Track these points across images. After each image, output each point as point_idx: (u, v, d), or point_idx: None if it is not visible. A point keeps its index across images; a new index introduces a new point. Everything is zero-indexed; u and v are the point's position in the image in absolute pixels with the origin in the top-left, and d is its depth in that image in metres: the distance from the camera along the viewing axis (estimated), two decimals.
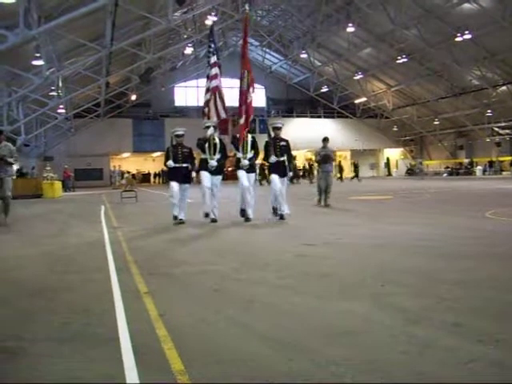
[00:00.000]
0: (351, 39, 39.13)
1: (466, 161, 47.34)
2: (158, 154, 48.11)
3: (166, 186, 39.80)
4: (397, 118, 50.85)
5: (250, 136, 10.61)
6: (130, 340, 3.27)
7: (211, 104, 11.17)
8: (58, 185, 27.04)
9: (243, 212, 10.43)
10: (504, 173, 42.48)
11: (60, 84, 27.24)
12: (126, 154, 48.46)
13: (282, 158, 10.55)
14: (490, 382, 2.55)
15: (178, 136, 10.53)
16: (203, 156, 10.48)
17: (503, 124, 41.91)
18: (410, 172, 49.81)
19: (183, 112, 48.54)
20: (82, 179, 41.50)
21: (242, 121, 10.61)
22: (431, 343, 3.06)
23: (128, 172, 40.61)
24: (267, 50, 48.35)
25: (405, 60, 37.86)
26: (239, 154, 10.48)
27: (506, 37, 30.77)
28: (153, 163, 51.04)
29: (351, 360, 2.85)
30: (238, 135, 10.60)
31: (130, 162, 48.67)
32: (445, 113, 45.19)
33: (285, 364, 2.82)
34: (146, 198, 21.98)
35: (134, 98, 43.08)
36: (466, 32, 30.98)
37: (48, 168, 27.50)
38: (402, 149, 55.15)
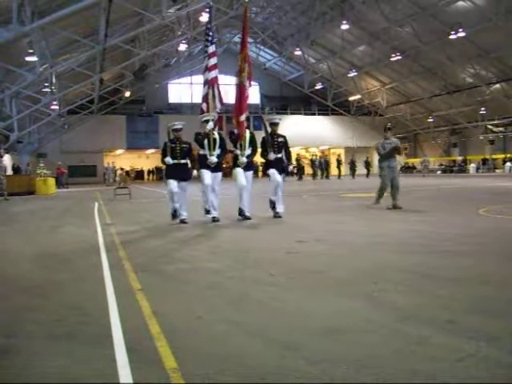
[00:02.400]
0: (345, 36, 39.14)
1: (460, 158, 47.45)
2: (152, 150, 48.03)
3: (160, 183, 39.78)
4: (391, 116, 50.89)
5: (247, 132, 10.29)
6: (123, 337, 3.26)
7: (210, 97, 10.59)
8: (52, 181, 26.92)
9: (242, 211, 10.15)
10: (497, 170, 42.62)
11: (53, 80, 27.13)
12: (119, 151, 48.34)
13: (279, 155, 10.32)
14: (483, 380, 2.56)
15: (175, 130, 9.92)
16: (202, 152, 9.92)
17: (497, 122, 42.04)
18: (405, 170, 49.96)
19: (177, 109, 48.47)
20: (76, 176, 41.37)
21: (242, 118, 10.16)
22: (424, 340, 3.07)
23: (122, 169, 40.50)
24: (261, 47, 48.30)
25: (399, 57, 37.90)
26: (237, 151, 10.13)
27: (500, 35, 30.83)
28: (147, 160, 50.93)
29: (343, 357, 2.86)
30: (235, 131, 10.14)
31: (123, 159, 48.51)
32: (438, 110, 45.31)
33: (277, 361, 2.82)
34: (140, 195, 21.92)
35: (127, 94, 42.98)
36: (460, 30, 31.02)
37: (41, 165, 27.37)
38: None
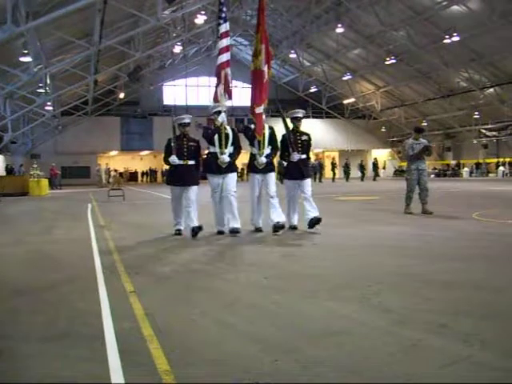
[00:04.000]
0: (340, 40, 39.18)
1: (454, 162, 47.60)
2: (146, 152, 48.01)
3: (153, 185, 39.63)
4: (385, 119, 51.02)
5: (266, 127, 8.59)
6: (116, 339, 3.25)
7: (221, 83, 8.71)
8: (45, 182, 26.86)
9: (259, 230, 8.45)
10: (490, 175, 42.81)
11: (48, 81, 27.03)
12: (113, 153, 48.23)
13: (303, 156, 8.63)
14: (475, 383, 2.57)
15: (183, 125, 8.35)
16: (212, 150, 8.32)
17: (490, 126, 42.16)
18: (397, 173, 50.19)
19: (172, 111, 48.41)
20: (69, 177, 41.27)
21: (260, 109, 8.38)
22: (418, 344, 3.08)
23: (115, 170, 40.42)
24: None
25: (393, 61, 37.96)
26: (254, 150, 8.43)
27: (494, 39, 30.95)
28: (140, 162, 50.89)
29: (337, 361, 2.86)
30: (252, 126, 8.53)
31: (117, 161, 48.44)
32: (433, 114, 45.42)
33: (270, 365, 2.82)
34: (134, 196, 21.87)
35: (122, 96, 42.86)
36: (455, 34, 31.11)
37: (35, 165, 27.29)
38: (389, 150, 55.37)
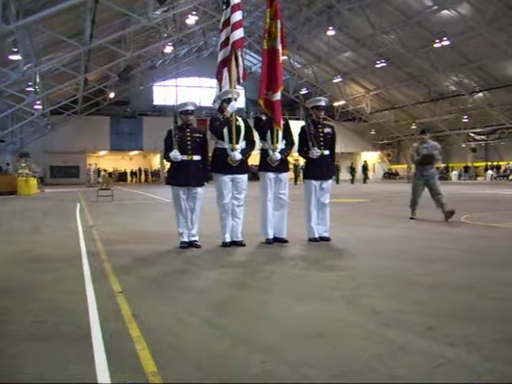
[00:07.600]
0: (331, 42, 39.28)
1: (442, 166, 47.84)
2: (136, 152, 47.81)
3: (141, 186, 39.47)
4: (375, 122, 51.21)
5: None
6: (103, 340, 3.24)
7: (233, 65, 7.20)
8: (33, 181, 26.68)
9: (270, 241, 7.27)
10: (479, 178, 43.09)
11: (37, 80, 26.88)
12: (103, 152, 48.04)
13: (326, 152, 7.53)
14: None
15: (185, 113, 7.00)
16: (220, 145, 7.03)
17: (479, 130, 42.46)
18: (387, 176, 50.46)
19: (162, 111, 48.31)
20: (59, 177, 41.05)
21: (277, 96, 7.25)
22: (404, 346, 3.09)
23: (104, 170, 40.27)
24: (247, 51, 48.27)
25: (384, 64, 38.13)
26: (266, 145, 7.26)
27: (484, 44, 31.19)
28: (130, 162, 50.74)
29: (324, 362, 2.86)
30: (263, 117, 7.41)
31: (107, 160, 48.27)
32: (422, 118, 45.61)
33: (259, 366, 2.82)
34: (123, 196, 21.78)
35: (112, 95, 42.64)
36: (445, 38, 31.29)
37: (23, 164, 27.08)
38: (379, 152, 55.57)
